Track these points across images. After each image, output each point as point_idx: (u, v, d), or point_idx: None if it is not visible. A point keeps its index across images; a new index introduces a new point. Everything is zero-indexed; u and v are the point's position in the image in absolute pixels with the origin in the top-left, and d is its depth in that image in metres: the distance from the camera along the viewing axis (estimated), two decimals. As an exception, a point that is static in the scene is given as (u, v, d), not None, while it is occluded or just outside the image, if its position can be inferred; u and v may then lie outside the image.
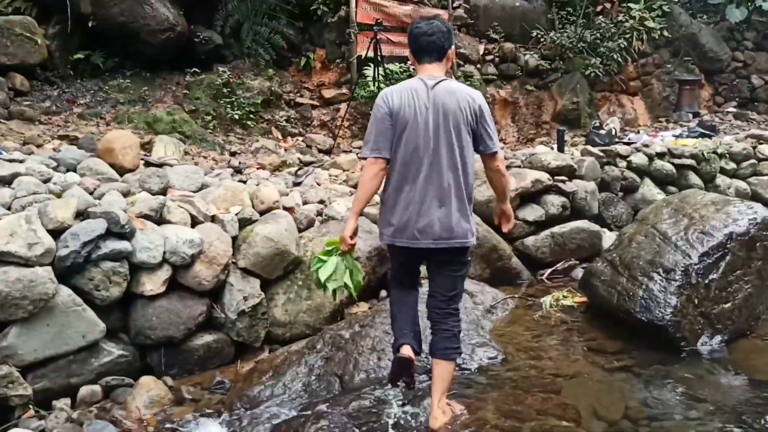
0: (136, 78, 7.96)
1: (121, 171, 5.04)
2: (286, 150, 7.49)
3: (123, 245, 3.80)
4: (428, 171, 2.99)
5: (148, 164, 5.41)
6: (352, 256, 3.32)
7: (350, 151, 7.93)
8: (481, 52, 9.83)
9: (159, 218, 4.19)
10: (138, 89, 7.70)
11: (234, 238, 4.43)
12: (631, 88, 10.59)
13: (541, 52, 10.05)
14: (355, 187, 5.97)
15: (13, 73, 6.90)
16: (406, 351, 3.10)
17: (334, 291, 3.31)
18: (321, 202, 5.37)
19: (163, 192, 4.65)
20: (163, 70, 8.32)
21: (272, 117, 8.01)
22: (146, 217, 4.09)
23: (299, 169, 6.18)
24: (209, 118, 7.57)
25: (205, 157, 6.53)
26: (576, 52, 10.00)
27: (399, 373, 3.12)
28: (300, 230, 4.83)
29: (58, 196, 4.04)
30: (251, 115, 7.79)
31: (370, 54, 7.68)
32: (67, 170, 4.89)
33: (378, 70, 7.58)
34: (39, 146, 5.52)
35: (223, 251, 4.20)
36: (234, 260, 4.35)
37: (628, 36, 10.06)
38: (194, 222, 4.36)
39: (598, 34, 10.14)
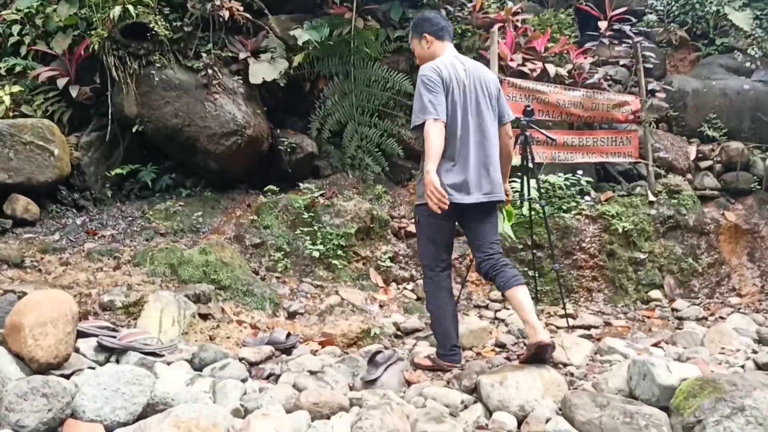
0: (193, 199, 6.24)
1: (36, 367, 2.99)
2: (382, 306, 5.17)
3: None
4: (478, 133, 3.70)
5: (103, 348, 3.32)
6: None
7: (485, 307, 5.44)
8: (693, 157, 7.10)
9: None
10: (191, 215, 5.91)
11: None
12: None
13: (790, 153, 7.08)
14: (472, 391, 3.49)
15: (15, 195, 5.38)
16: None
17: None
18: (393, 437, 2.89)
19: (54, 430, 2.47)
20: (236, 189, 6.55)
21: (372, 253, 5.79)
22: None
23: (377, 353, 3.77)
24: (279, 255, 5.53)
25: (240, 323, 4.38)
26: None
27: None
28: None
29: None
30: (340, 252, 5.63)
31: (517, 160, 5.29)
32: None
33: (529, 182, 5.15)
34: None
35: None
36: None
37: None
38: None
39: None
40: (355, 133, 6.84)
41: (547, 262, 5.63)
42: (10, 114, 5.89)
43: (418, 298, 5.45)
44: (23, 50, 6.42)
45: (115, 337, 3.40)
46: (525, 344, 4.20)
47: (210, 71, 6.06)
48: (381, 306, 5.17)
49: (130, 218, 5.94)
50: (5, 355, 2.96)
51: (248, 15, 6.43)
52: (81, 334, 3.38)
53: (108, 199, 6.15)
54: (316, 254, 5.53)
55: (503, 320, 5.12)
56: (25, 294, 3.68)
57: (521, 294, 3.59)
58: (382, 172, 6.79)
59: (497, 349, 4.42)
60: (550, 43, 6.84)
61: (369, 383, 3.59)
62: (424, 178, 3.47)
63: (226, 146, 6.03)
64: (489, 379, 3.45)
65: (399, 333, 4.67)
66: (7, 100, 5.89)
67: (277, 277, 5.41)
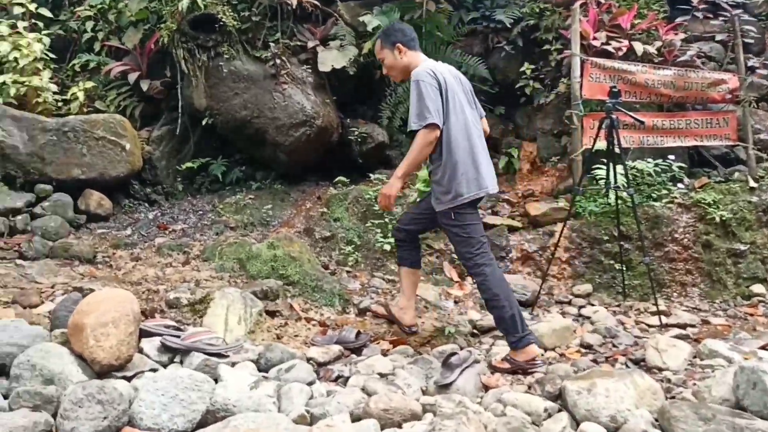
0: (263, 192, 6.16)
1: (98, 369, 2.91)
2: (457, 302, 4.93)
3: None
4: (476, 128, 3.81)
5: (166, 348, 3.22)
6: None
7: (568, 303, 5.09)
8: (798, 138, 6.47)
9: None
10: (260, 208, 5.82)
11: None
12: None
13: None
14: (556, 398, 3.20)
15: (89, 191, 5.41)
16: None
17: None
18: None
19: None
20: (307, 181, 6.43)
21: (446, 246, 5.54)
22: None
23: (452, 354, 3.53)
24: (349, 249, 5.35)
25: (308, 320, 4.22)
26: None
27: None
28: None
29: None
30: (412, 245, 5.39)
31: (602, 145, 4.92)
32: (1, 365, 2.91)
33: (615, 169, 4.78)
34: (27, 307, 3.67)
35: None
36: None
37: None
38: None
39: None
40: (427, 121, 6.57)
41: (636, 255, 5.23)
42: (84, 110, 5.96)
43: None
44: (96, 46, 6.50)
45: (179, 336, 3.30)
46: (385, 306, 4.39)
47: (278, 61, 5.94)
48: (456, 302, 4.92)
49: (201, 212, 5.91)
50: (67, 356, 2.89)
51: (317, 2, 6.28)
52: (145, 334, 3.30)
53: (179, 193, 6.15)
54: (387, 247, 5.32)
55: (588, 318, 4.76)
56: (92, 291, 3.63)
57: (418, 276, 4.27)
58: (456, 161, 6.53)
59: (582, 350, 4.10)
60: (636, 20, 6.37)
61: (443, 387, 3.35)
62: (392, 179, 3.70)
63: (294, 137, 5.91)
64: (575, 385, 3.17)
65: (475, 331, 4.41)
66: (81, 96, 5.95)
67: (348, 272, 5.24)
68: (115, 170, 5.50)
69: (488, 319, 4.55)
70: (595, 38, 6.07)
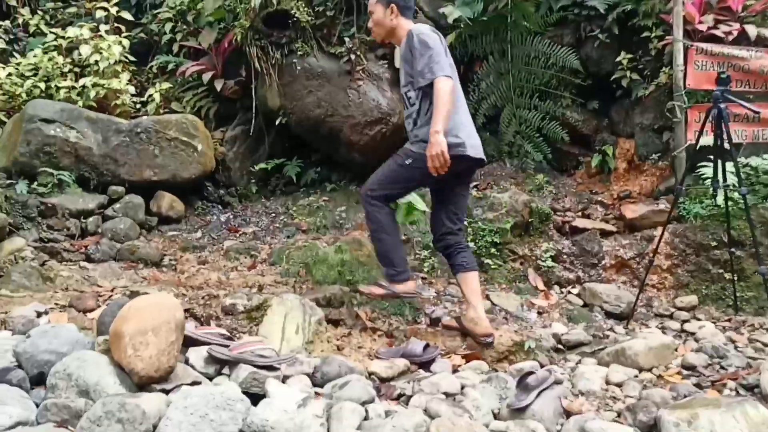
0: (338, 194, 5.92)
1: (137, 380, 2.72)
2: (541, 313, 4.48)
3: None
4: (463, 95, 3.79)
5: (214, 359, 2.99)
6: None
7: (669, 316, 4.55)
8: None
9: None
10: (334, 210, 5.58)
11: None
12: None
13: None
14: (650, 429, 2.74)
15: (161, 193, 5.33)
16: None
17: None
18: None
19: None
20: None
21: (530, 252, 5.09)
22: None
23: (529, 374, 3.11)
24: (426, 254, 5.03)
25: (374, 331, 3.90)
26: None
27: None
28: None
29: None
30: (494, 250, 5.00)
31: (709, 140, 4.36)
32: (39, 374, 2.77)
33: (725, 166, 4.22)
34: (82, 311, 3.55)
35: None
36: None
37: None
38: None
39: None
40: (513, 118, 6.17)
41: (750, 263, 4.61)
42: (161, 111, 5.94)
43: (585, 304, 4.68)
44: (176, 48, 6.49)
45: (228, 346, 3.06)
46: (457, 319, 3.92)
47: (353, 57, 5.70)
48: (540, 313, 4.48)
49: (274, 214, 5.74)
50: (105, 366, 2.70)
51: (395, -6, 5.99)
52: (194, 342, 3.09)
53: (253, 194, 6.02)
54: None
55: (692, 334, 4.21)
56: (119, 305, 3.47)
57: (476, 279, 3.80)
58: (543, 160, 6.11)
59: (684, 372, 3.58)
60: (750, 1, 5.71)
61: (517, 411, 2.94)
62: (434, 137, 3.37)
63: (369, 136, 5.64)
64: (673, 415, 2.70)
65: (559, 347, 3.96)
66: (157, 97, 5.93)
67: (423, 278, 4.90)
68: (187, 171, 5.41)
69: (575, 333, 4.12)
70: (700, 22, 5.47)
